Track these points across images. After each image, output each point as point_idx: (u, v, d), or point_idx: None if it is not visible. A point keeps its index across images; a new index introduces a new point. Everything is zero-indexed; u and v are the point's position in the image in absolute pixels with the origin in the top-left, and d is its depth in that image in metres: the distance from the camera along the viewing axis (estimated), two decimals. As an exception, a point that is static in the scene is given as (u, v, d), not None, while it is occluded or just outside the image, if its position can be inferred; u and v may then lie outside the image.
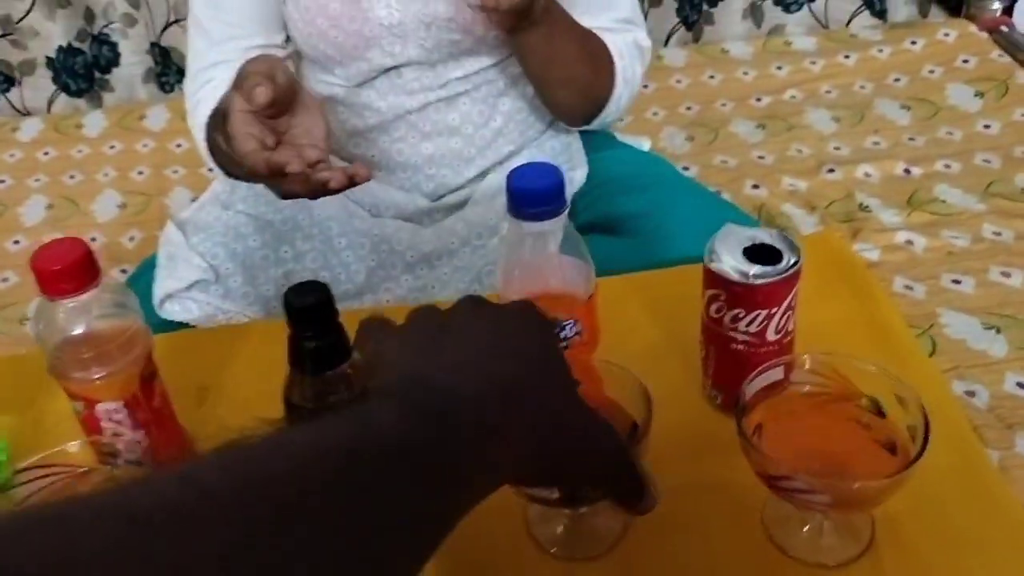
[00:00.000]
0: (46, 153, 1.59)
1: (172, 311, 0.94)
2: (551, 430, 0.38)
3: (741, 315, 0.58)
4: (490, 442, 0.36)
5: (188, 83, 0.95)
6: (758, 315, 0.57)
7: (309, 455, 0.31)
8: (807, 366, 0.55)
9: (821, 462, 0.52)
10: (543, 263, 0.56)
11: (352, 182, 0.68)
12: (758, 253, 0.57)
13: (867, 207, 1.27)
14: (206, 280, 0.95)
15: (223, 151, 0.80)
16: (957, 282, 1.12)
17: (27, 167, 1.56)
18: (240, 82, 0.68)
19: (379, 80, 0.96)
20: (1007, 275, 1.13)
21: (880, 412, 0.53)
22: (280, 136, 0.70)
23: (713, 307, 0.59)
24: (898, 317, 0.73)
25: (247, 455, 0.31)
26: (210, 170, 0.95)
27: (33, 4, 1.62)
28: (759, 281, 0.56)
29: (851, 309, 0.72)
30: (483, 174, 1.04)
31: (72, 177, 1.53)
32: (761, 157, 1.42)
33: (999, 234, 1.20)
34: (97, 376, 0.56)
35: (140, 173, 1.52)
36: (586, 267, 0.58)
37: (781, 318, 0.58)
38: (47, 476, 0.55)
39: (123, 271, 1.31)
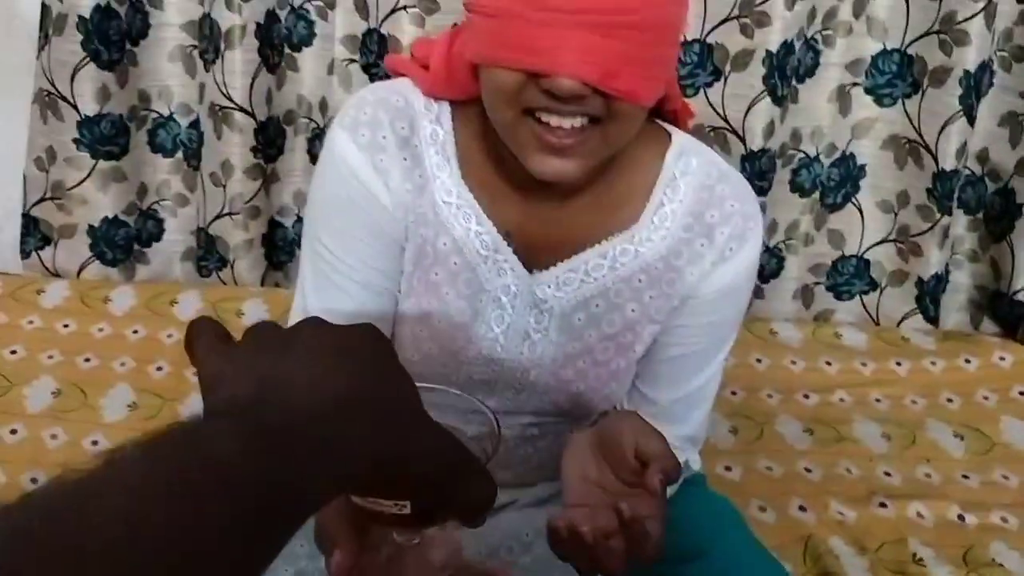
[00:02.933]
0: (66, 326, 1.53)
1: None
2: (395, 432, 0.39)
3: None
4: (326, 454, 0.36)
5: None
6: None
7: (139, 491, 0.31)
8: None
9: None
10: None
11: None
12: None
13: (921, 560, 1.19)
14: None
15: None
16: None
17: (44, 339, 1.49)
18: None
19: None
20: None
21: None
22: None
23: None
24: None
25: (69, 498, 0.30)
26: None
27: (89, 175, 1.60)
28: None
29: None
30: (531, 483, 0.97)
31: (87, 360, 1.46)
32: (808, 470, 1.35)
33: (1063, 621, 1.11)
34: None
35: (159, 369, 1.45)
36: None
37: None
38: None
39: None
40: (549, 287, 0.84)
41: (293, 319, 0.89)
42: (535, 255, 0.84)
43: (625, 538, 0.63)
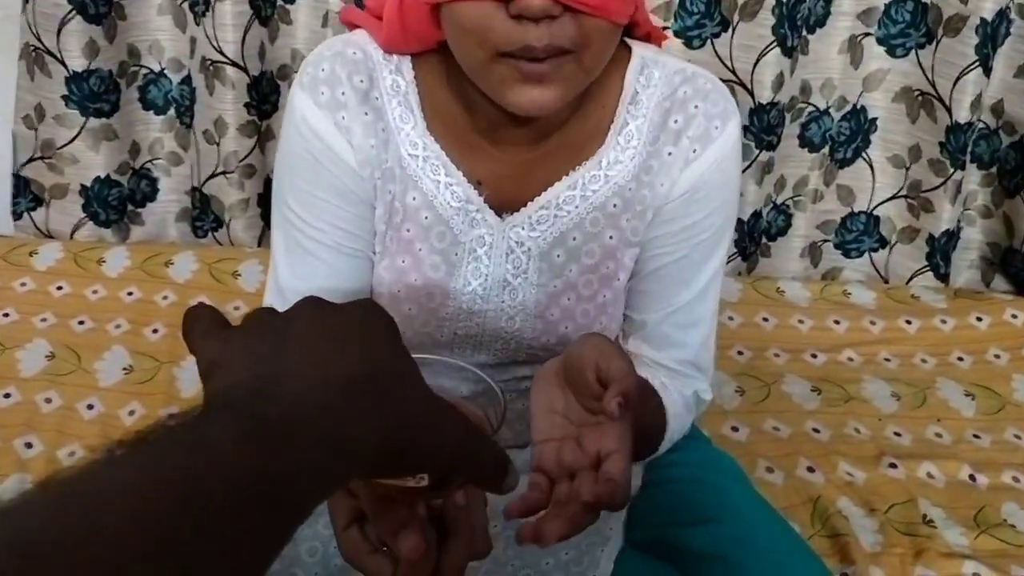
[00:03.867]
0: (59, 288, 1.50)
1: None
2: (401, 418, 0.39)
3: None
4: (330, 443, 0.36)
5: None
6: None
7: (144, 493, 0.31)
8: None
9: None
10: None
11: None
12: None
13: (931, 521, 1.16)
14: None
15: None
16: (1031, 641, 1.01)
17: (37, 302, 1.46)
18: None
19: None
20: (1087, 642, 1.01)
21: None
22: None
23: None
24: None
25: (73, 501, 0.30)
26: None
27: (79, 133, 1.56)
28: None
29: None
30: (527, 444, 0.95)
31: (81, 323, 1.43)
32: (816, 431, 1.33)
33: (1076, 583, 1.09)
34: None
35: (155, 331, 1.42)
36: None
37: None
38: None
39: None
40: (523, 229, 0.81)
41: (268, 293, 0.86)
42: (506, 201, 0.81)
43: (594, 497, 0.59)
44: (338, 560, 0.86)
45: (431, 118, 0.80)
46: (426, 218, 0.81)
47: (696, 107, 0.80)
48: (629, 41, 0.82)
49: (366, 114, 0.79)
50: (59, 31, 1.47)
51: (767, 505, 0.89)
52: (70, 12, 1.45)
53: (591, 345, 0.68)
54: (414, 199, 0.81)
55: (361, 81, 0.79)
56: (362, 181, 0.80)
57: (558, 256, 0.82)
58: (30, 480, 1.14)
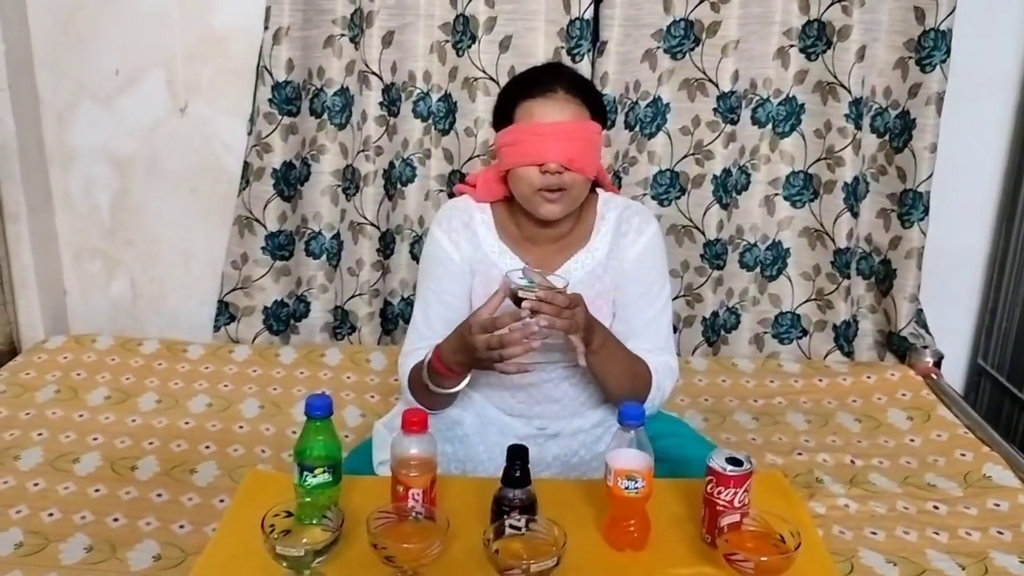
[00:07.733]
0: (254, 371, 2.28)
1: (382, 471, 1.56)
2: None
3: (722, 491, 1.19)
4: None
5: (405, 356, 1.58)
6: (732, 490, 1.19)
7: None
8: (753, 515, 1.16)
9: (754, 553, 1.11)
10: (632, 449, 1.20)
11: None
12: (733, 461, 1.20)
13: (822, 480, 1.88)
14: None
15: (424, 389, 1.50)
16: (874, 533, 1.71)
17: (243, 379, 2.25)
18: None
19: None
20: (907, 533, 1.71)
21: (782, 538, 1.13)
22: None
23: (709, 486, 1.21)
24: (805, 510, 1.33)
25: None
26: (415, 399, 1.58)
27: (268, 271, 2.39)
28: (732, 472, 1.19)
29: (782, 509, 1.33)
30: (572, 422, 1.68)
31: (275, 389, 2.21)
32: (754, 439, 2.06)
33: (907, 508, 1.79)
34: (414, 475, 1.18)
35: (324, 394, 2.18)
36: (650, 454, 1.21)
37: (742, 494, 1.19)
38: (384, 518, 1.15)
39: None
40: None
41: (408, 337, 1.62)
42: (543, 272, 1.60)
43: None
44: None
45: (500, 233, 1.61)
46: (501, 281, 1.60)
47: (632, 220, 1.60)
48: (598, 190, 1.64)
49: (467, 233, 1.60)
50: (265, 207, 2.33)
51: (702, 435, 1.64)
52: (273, 195, 2.32)
53: None
54: (494, 273, 1.59)
55: (465, 218, 1.61)
56: (463, 266, 1.59)
57: None
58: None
